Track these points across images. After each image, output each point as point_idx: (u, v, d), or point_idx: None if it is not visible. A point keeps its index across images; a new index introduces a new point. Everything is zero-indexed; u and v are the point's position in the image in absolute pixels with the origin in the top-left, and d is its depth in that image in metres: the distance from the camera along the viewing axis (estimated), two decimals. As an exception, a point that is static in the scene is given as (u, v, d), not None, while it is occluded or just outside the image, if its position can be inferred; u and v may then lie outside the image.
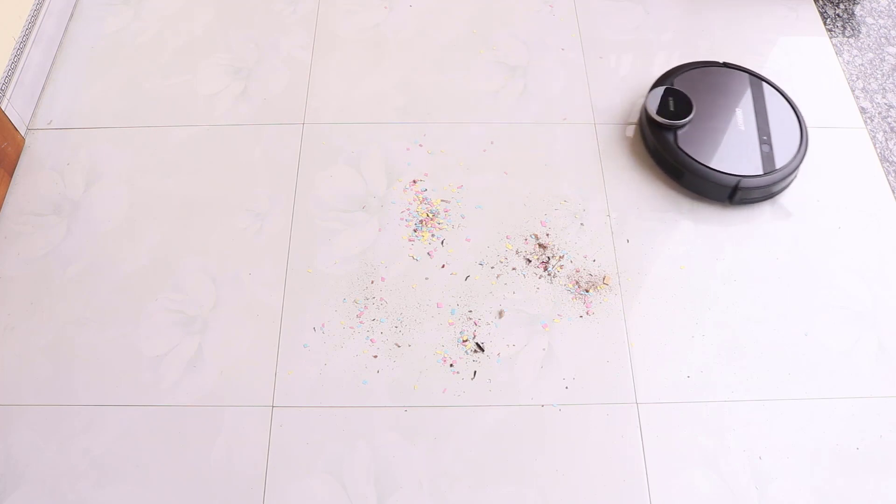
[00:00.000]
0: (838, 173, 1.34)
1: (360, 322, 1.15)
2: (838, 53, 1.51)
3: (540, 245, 1.24)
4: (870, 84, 1.47)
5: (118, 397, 1.08)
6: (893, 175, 1.34)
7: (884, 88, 1.46)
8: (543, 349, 1.13)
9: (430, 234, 1.25)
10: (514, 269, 1.21)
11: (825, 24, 1.56)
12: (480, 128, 1.37)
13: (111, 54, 1.47)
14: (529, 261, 1.22)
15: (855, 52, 1.52)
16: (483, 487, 1.02)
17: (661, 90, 1.34)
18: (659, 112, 1.30)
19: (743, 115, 1.32)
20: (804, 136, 1.30)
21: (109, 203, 1.27)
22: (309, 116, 1.38)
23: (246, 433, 1.06)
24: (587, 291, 1.19)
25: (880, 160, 1.36)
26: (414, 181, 1.30)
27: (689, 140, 1.28)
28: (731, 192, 1.25)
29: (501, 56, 1.48)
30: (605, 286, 1.20)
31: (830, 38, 1.54)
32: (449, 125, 1.38)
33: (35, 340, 1.13)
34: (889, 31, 1.56)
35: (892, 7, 1.60)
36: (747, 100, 1.34)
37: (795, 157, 1.27)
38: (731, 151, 1.27)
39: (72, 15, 1.53)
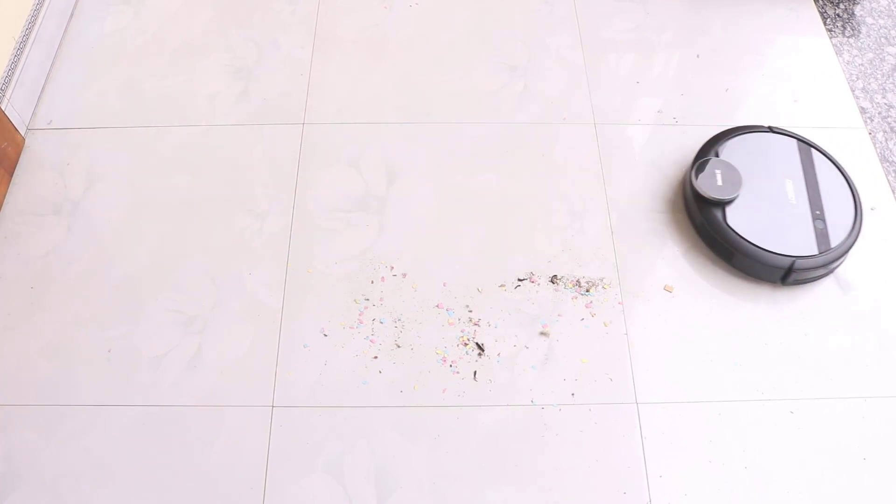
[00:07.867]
0: (838, 173, 1.34)
1: (360, 322, 1.15)
2: (838, 53, 1.51)
3: (540, 245, 1.24)
4: (870, 84, 1.47)
5: (118, 397, 1.08)
6: (893, 175, 1.34)
7: (884, 88, 1.46)
8: (544, 349, 1.13)
9: (430, 234, 1.25)
10: (514, 268, 1.21)
11: (825, 23, 1.56)
12: (480, 128, 1.37)
13: (111, 54, 1.47)
14: (530, 261, 1.22)
15: (855, 51, 1.52)
16: (483, 487, 1.02)
17: (707, 161, 1.23)
18: (704, 185, 1.19)
19: (793, 186, 1.21)
20: (858, 209, 1.20)
21: (109, 203, 1.27)
22: (309, 116, 1.38)
23: (246, 433, 1.06)
24: (587, 291, 1.19)
25: (880, 160, 1.36)
26: (414, 181, 1.30)
27: (738, 217, 1.18)
28: (784, 274, 1.15)
29: (501, 56, 1.48)
30: (605, 286, 1.19)
31: (830, 37, 1.54)
32: (449, 125, 1.38)
33: (35, 340, 1.13)
34: (889, 31, 1.56)
35: (892, 7, 1.60)
36: (796, 168, 1.23)
37: (851, 233, 1.17)
38: (783, 228, 1.17)
39: (72, 15, 1.53)
